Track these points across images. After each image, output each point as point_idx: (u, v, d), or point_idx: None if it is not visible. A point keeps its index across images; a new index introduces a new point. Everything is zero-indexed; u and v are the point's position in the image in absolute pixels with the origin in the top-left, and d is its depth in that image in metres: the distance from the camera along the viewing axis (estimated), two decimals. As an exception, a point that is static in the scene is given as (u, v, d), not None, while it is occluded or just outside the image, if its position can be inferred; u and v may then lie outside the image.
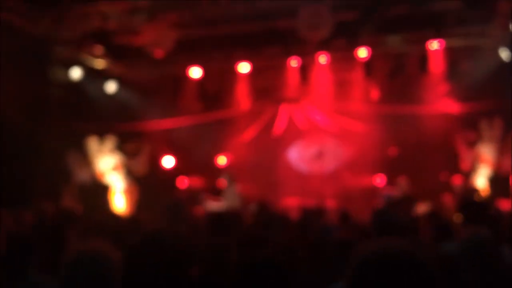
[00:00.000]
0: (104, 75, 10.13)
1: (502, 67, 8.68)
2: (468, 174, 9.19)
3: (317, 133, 10.58)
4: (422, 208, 7.03)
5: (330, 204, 8.83)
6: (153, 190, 9.84)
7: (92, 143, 9.90)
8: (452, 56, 9.32)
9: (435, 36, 9.01)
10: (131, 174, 10.26)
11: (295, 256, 3.36)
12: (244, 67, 10.03)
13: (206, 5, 8.02)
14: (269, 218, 4.92)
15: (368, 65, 9.50)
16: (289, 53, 9.65)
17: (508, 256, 3.44)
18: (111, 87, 10.27)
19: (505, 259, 3.27)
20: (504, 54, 8.69)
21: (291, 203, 9.21)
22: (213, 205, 7.93)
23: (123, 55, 9.22)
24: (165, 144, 10.86)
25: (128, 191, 10.14)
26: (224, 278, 2.67)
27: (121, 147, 10.22)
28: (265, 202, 6.27)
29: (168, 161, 10.97)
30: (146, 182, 10.19)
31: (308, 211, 5.60)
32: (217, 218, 3.88)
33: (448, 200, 7.95)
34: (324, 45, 8.99)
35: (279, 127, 10.55)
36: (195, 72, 10.18)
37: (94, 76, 9.86)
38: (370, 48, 9.25)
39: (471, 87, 9.12)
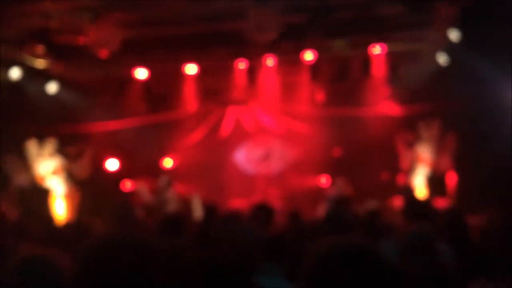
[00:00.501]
0: (45, 75, 9.75)
1: (440, 71, 9.11)
2: (407, 173, 9.55)
3: (264, 134, 10.69)
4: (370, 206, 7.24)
5: (277, 205, 8.92)
6: (96, 194, 9.59)
7: (32, 146, 9.50)
8: (393, 60, 9.67)
9: (377, 41, 9.32)
10: (72, 178, 9.93)
11: (249, 256, 3.38)
12: (191, 69, 9.96)
13: (152, 5, 7.89)
14: (220, 219, 4.93)
15: (314, 68, 9.70)
16: (236, 55, 9.67)
17: (443, 252, 3.59)
18: (52, 87, 9.90)
19: (441, 255, 3.41)
20: (441, 58, 9.11)
21: (238, 204, 9.24)
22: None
23: (65, 54, 8.90)
24: (109, 146, 10.60)
25: (69, 196, 9.80)
26: (182, 280, 2.66)
27: (62, 150, 9.86)
28: (213, 204, 6.25)
29: (112, 164, 10.71)
30: (88, 186, 9.90)
31: (258, 211, 5.62)
32: (169, 220, 3.84)
33: (396, 200, 8.22)
34: (271, 48, 9.09)
35: (226, 129, 10.56)
36: (141, 73, 10.00)
37: (35, 76, 9.48)
38: (316, 52, 9.43)
39: (410, 90, 9.51)
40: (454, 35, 8.45)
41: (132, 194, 10.22)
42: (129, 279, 1.86)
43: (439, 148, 9.22)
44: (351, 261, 1.43)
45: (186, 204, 7.54)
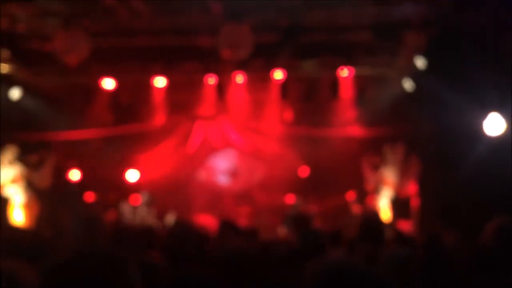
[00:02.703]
0: (8, 81, 9.47)
1: (405, 96, 9.34)
2: (372, 195, 9.68)
3: (231, 151, 10.65)
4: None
5: (242, 222, 8.87)
6: (56, 204, 9.32)
7: (-10, 153, 9.18)
8: (361, 83, 9.86)
9: (345, 64, 9.48)
10: (32, 187, 9.62)
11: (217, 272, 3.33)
12: (160, 81, 9.88)
13: (124, 15, 7.81)
14: (187, 235, 4.84)
15: (283, 87, 9.78)
16: (206, 70, 9.66)
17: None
18: (15, 93, 9.61)
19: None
20: (407, 84, 9.34)
21: (204, 220, 9.14)
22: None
23: (31, 60, 8.69)
24: (72, 156, 10.35)
25: (28, 205, 9.49)
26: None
27: (22, 158, 9.56)
28: (182, 219, 6.18)
29: (74, 175, 10.45)
30: (48, 195, 9.62)
31: (226, 227, 5.57)
32: (140, 233, 3.75)
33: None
34: (241, 65, 9.12)
35: (193, 144, 10.48)
36: (108, 83, 9.84)
37: (-3, 81, 9.20)
38: (285, 71, 9.52)
39: (376, 114, 9.71)
40: (420, 62, 8.69)
41: (94, 206, 10.01)
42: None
43: (403, 171, 9.39)
44: (347, 283, 1.43)
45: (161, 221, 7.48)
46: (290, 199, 10.27)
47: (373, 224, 5.05)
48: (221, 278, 3.24)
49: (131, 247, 3.62)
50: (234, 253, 3.74)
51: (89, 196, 10.41)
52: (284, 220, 8.10)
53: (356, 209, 9.16)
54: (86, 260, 1.88)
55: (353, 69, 9.57)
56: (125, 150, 10.21)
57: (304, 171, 10.39)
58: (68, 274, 1.84)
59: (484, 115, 7.10)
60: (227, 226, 5.40)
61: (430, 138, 8.52)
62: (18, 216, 9.21)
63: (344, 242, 4.66)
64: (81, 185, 10.41)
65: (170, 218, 6.60)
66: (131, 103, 10.35)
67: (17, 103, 9.65)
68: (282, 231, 7.63)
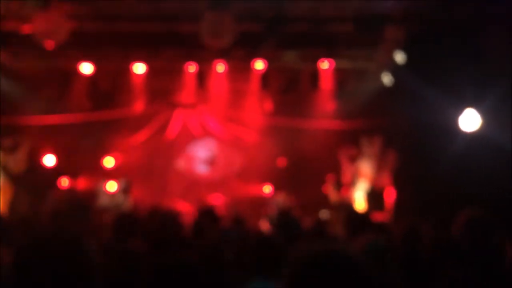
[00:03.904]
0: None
1: (383, 90, 9.46)
2: (349, 187, 9.80)
3: (210, 140, 10.64)
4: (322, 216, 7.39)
5: (220, 210, 8.89)
6: (30, 189, 9.19)
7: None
8: (341, 76, 9.94)
9: (326, 56, 9.54)
10: (6, 171, 9.45)
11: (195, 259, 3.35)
12: (139, 68, 9.77)
13: (106, -1, 7.70)
14: (164, 222, 4.84)
15: (263, 77, 9.79)
16: (187, 58, 9.60)
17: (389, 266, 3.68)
18: (-10, 76, 9.40)
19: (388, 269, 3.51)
20: (386, 78, 9.45)
21: (181, 207, 9.13)
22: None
23: (9, 42, 8.49)
24: (48, 141, 10.18)
25: (2, 189, 9.32)
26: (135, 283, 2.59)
27: (-4, 142, 9.38)
28: (157, 206, 6.15)
29: (49, 160, 10.29)
30: (23, 180, 9.47)
31: (204, 214, 5.58)
32: (123, 220, 3.74)
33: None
34: (223, 54, 9.09)
35: (172, 131, 10.43)
36: (87, 68, 9.70)
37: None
38: (266, 61, 9.53)
39: (355, 106, 9.81)
40: (399, 57, 8.80)
41: (70, 192, 9.88)
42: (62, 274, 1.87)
43: (380, 164, 9.52)
44: (330, 267, 1.44)
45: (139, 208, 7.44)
46: (268, 190, 10.32)
47: (357, 218, 5.14)
48: (202, 264, 3.27)
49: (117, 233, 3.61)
50: (215, 241, 3.77)
51: (65, 182, 10.27)
52: (267, 217, 8.16)
53: (333, 200, 9.27)
54: (52, 241, 1.92)
55: (333, 62, 9.63)
56: (102, 136, 10.09)
57: (282, 162, 10.44)
58: (37, 254, 1.88)
59: (461, 111, 7.24)
60: (207, 213, 5.42)
61: (407, 132, 8.66)
62: (-10, 200, 9.04)
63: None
64: (57, 170, 10.27)
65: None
66: (110, 89, 10.20)
67: (-8, 85, 9.44)
68: (265, 226, 7.69)
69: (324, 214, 7.40)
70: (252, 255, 3.00)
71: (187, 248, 3.48)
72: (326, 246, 1.51)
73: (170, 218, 4.60)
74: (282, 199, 9.11)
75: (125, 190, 8.10)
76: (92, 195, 8.98)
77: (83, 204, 4.64)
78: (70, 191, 9.89)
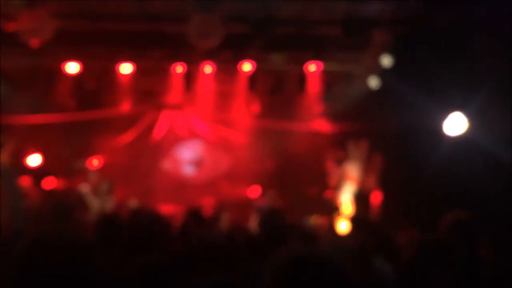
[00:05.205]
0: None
1: (370, 94, 9.49)
2: (335, 190, 9.80)
3: (197, 141, 10.59)
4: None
5: (208, 212, 8.84)
6: (14, 189, 9.02)
7: None
8: (328, 79, 9.95)
9: (313, 59, 9.54)
10: (-12, 171, 9.30)
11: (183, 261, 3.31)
12: (126, 68, 9.69)
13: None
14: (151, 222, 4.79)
15: (251, 79, 9.77)
16: (174, 58, 9.54)
17: (379, 268, 3.68)
18: (-27, 74, 9.26)
19: (377, 270, 3.49)
20: (373, 82, 9.48)
21: (168, 210, 9.06)
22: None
23: (-8, 40, 8.37)
24: (31, 141, 10.05)
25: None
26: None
27: (-21, 141, 9.22)
28: (143, 207, 6.10)
29: (33, 160, 10.16)
30: (5, 180, 9.31)
31: (190, 216, 5.54)
32: (106, 220, 3.69)
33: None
34: (210, 55, 9.05)
35: (158, 133, 10.35)
36: (72, 67, 9.58)
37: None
38: (254, 63, 9.51)
39: (342, 109, 9.83)
40: (386, 60, 8.83)
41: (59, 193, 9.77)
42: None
43: (366, 167, 9.53)
44: (312, 271, 1.44)
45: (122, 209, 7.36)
46: (256, 192, 10.29)
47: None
48: (187, 266, 3.23)
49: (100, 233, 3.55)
50: (200, 242, 3.73)
51: (49, 182, 10.14)
52: (256, 219, 8.11)
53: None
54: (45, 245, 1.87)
55: (321, 64, 9.64)
56: (88, 137, 9.99)
57: (269, 164, 10.43)
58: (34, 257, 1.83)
59: (447, 114, 7.29)
60: (193, 215, 5.38)
61: (393, 135, 8.69)
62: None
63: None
64: (41, 171, 10.13)
65: (133, 206, 6.52)
66: (96, 88, 10.10)
67: (-26, 84, 9.30)
68: (253, 225, 7.64)
69: (312, 219, 7.40)
70: (236, 254, 2.97)
71: (173, 250, 3.44)
72: (307, 249, 1.50)
73: (154, 220, 4.56)
74: (269, 200, 9.07)
75: (108, 191, 8.01)
76: (75, 196, 8.86)
77: (66, 205, 4.55)
78: (54, 191, 9.76)
